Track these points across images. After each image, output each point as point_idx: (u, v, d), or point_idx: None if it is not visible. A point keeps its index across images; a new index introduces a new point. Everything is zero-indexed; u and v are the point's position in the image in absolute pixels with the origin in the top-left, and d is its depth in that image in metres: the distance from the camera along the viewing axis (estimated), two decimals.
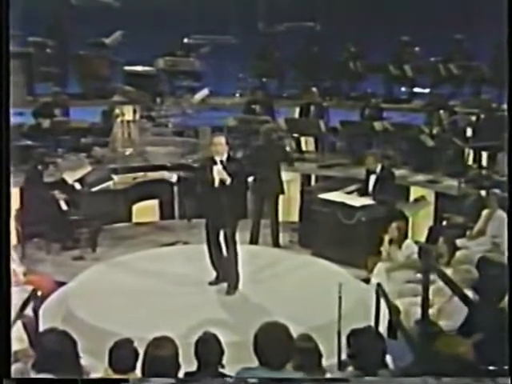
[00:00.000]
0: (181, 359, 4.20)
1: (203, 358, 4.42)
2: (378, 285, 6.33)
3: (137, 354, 4.41)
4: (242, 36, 13.00)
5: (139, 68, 12.54)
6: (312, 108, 11.92)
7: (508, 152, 4.77)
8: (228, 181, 7.17)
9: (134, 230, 10.48)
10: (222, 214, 7.14)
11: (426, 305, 5.82)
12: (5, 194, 4.21)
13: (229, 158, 7.36)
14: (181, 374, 4.03)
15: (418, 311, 6.25)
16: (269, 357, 3.70)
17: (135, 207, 10.68)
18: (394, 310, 6.59)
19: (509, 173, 4.86)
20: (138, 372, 4.05)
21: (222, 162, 7.25)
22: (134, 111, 11.88)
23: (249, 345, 3.84)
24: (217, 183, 7.25)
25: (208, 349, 4.46)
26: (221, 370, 4.43)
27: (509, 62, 4.66)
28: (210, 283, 7.64)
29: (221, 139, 7.39)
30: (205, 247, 7.55)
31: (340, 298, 5.78)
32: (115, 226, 10.35)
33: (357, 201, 9.06)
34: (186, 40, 13.10)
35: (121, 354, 4.43)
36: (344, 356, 4.85)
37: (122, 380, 4.10)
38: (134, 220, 10.75)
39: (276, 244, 9.61)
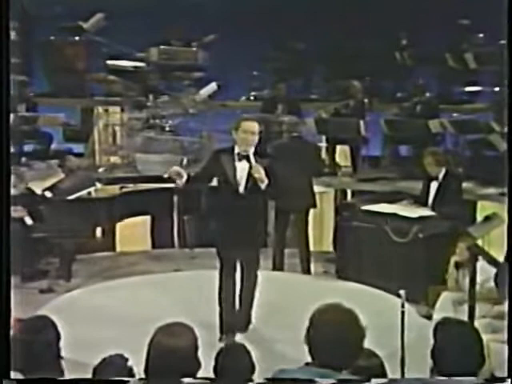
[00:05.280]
0: None
1: (227, 373, 4.21)
2: (476, 245, 6.14)
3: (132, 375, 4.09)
4: None
5: (126, 60, 12.41)
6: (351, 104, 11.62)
7: (508, 152, 5.18)
8: (265, 183, 6.67)
9: (118, 258, 10.38)
10: (245, 231, 6.78)
11: None
12: (5, 195, 4.42)
13: (256, 152, 6.83)
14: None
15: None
16: (327, 353, 3.27)
17: (120, 225, 10.39)
18: None
19: (509, 172, 5.10)
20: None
21: (247, 156, 6.73)
22: (122, 110, 11.83)
23: None
24: (242, 188, 6.80)
25: (234, 362, 4.31)
26: None
27: (509, 62, 5.12)
28: None
29: (253, 125, 6.83)
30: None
31: (403, 312, 5.51)
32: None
33: (413, 211, 8.84)
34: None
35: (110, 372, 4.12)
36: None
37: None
38: (118, 240, 10.56)
39: (307, 271, 9.30)
